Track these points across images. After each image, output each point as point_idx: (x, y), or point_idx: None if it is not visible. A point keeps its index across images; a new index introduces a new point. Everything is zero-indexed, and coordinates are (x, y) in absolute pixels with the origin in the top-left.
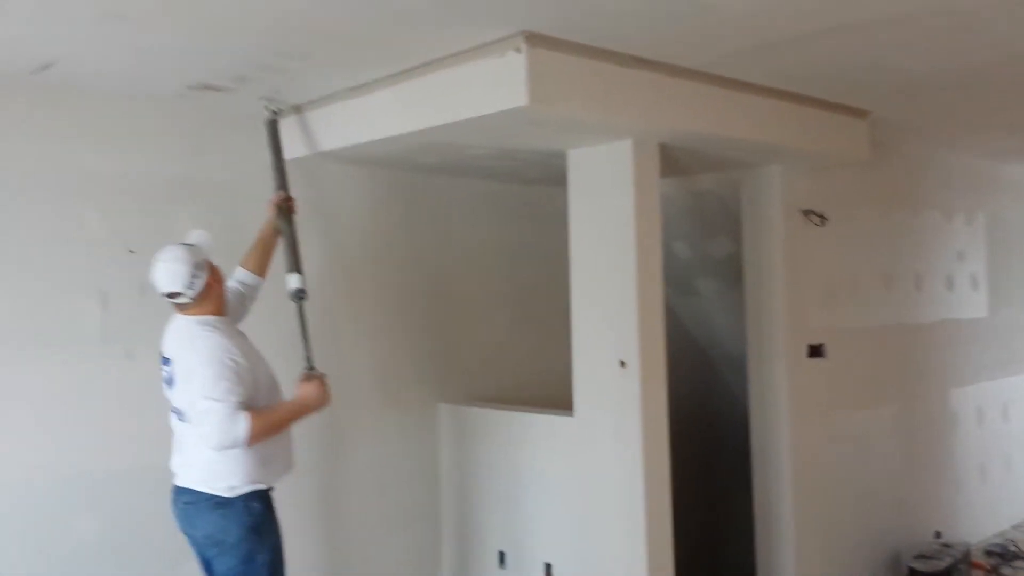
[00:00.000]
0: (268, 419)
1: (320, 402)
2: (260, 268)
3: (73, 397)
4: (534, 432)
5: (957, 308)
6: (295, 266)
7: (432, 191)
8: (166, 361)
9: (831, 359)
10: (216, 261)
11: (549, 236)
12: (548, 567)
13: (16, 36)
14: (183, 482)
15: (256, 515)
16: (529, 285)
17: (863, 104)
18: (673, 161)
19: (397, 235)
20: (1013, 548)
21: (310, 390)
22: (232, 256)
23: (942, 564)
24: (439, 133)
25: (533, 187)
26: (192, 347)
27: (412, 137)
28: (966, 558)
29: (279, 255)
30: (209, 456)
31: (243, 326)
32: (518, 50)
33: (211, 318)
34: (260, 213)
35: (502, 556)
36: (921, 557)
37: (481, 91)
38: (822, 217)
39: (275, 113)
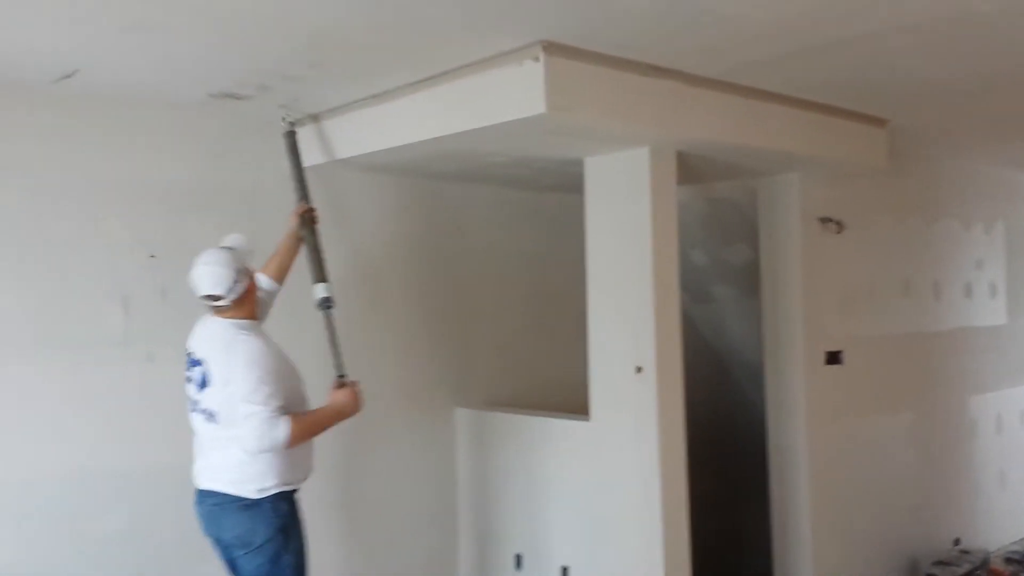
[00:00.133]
0: (306, 424)
1: (354, 408)
2: (279, 275)
3: (95, 398)
4: (551, 436)
5: (976, 316)
6: (321, 276)
7: (449, 198)
8: (196, 362)
9: (848, 366)
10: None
11: (566, 243)
12: (564, 570)
13: (40, 45)
14: (209, 484)
15: (284, 516)
16: (546, 291)
17: (881, 112)
18: (690, 169)
19: (415, 242)
20: None
21: (344, 397)
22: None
23: (961, 571)
24: (457, 141)
25: (550, 194)
26: (233, 350)
27: (430, 145)
28: (985, 565)
29: (301, 264)
30: (241, 458)
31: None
32: (536, 59)
33: (248, 322)
34: (280, 220)
35: (519, 559)
36: (940, 564)
37: (499, 99)
38: (840, 225)
39: (293, 124)
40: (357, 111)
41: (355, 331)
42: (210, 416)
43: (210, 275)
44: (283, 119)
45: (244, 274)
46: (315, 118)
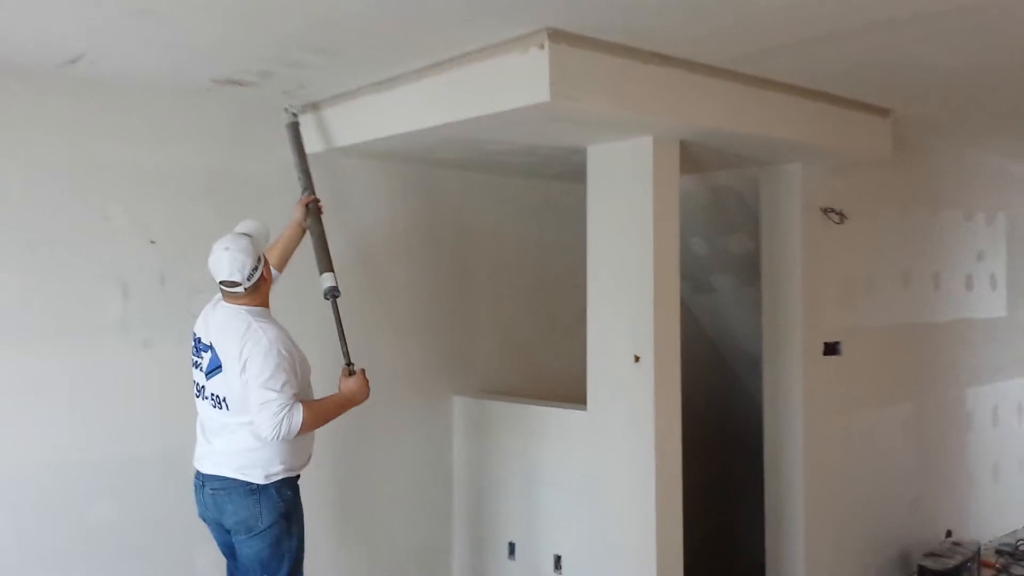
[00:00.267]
0: (317, 411)
1: (363, 396)
2: (280, 263)
3: (92, 385)
4: (547, 425)
5: (975, 308)
6: (327, 265)
7: (451, 186)
8: (205, 347)
9: (847, 357)
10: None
11: (566, 232)
12: (558, 559)
13: (45, 30)
14: (213, 469)
15: (287, 501)
16: (546, 280)
17: (885, 102)
18: (693, 157)
19: (415, 229)
20: (1023, 548)
21: (353, 385)
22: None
23: (952, 563)
24: (460, 128)
25: (552, 183)
26: (250, 338)
27: (433, 132)
28: (976, 557)
29: (309, 255)
30: (250, 444)
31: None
32: (541, 46)
33: (262, 309)
34: (282, 207)
35: (512, 547)
36: (931, 555)
37: (503, 87)
38: (841, 215)
39: (295, 116)
40: (361, 98)
41: (354, 318)
42: (219, 402)
43: (231, 260)
44: (285, 110)
45: (261, 262)
46: (317, 106)
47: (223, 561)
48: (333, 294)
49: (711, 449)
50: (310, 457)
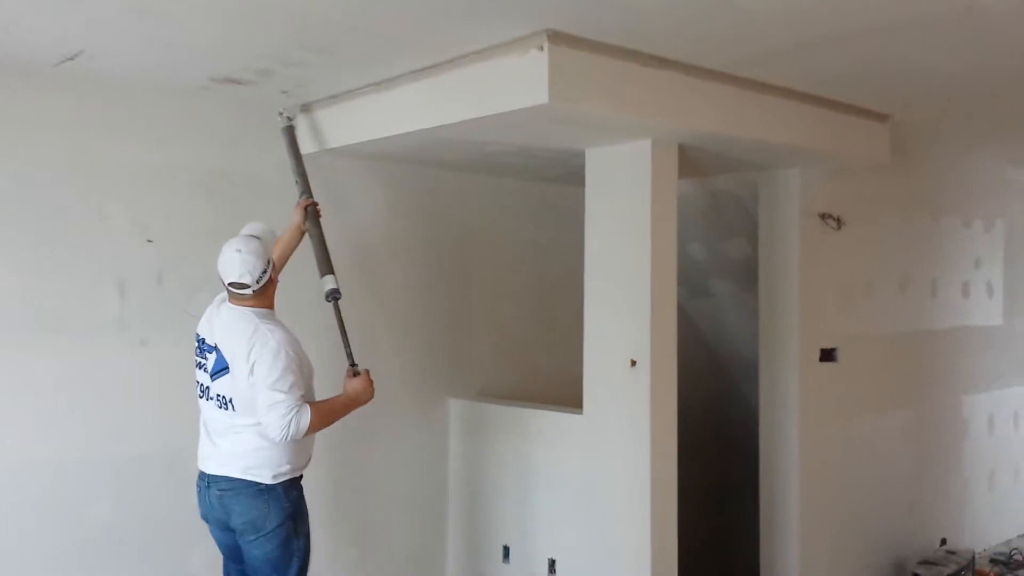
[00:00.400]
0: (323, 412)
1: (368, 397)
2: (279, 266)
3: (89, 384)
4: (543, 429)
5: (972, 315)
6: (328, 268)
7: (449, 188)
8: (210, 348)
9: (843, 363)
10: None
11: (564, 234)
12: (552, 563)
13: (42, 27)
14: (217, 470)
15: (294, 501)
16: (544, 283)
17: (884, 108)
18: (691, 161)
19: (412, 231)
20: (1018, 557)
21: (358, 385)
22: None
23: (947, 571)
24: (459, 129)
25: (550, 185)
26: (258, 340)
27: (432, 133)
28: (971, 566)
29: (308, 257)
30: (257, 444)
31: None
32: (541, 48)
33: (268, 311)
34: (280, 207)
35: (507, 550)
36: (926, 563)
37: (503, 88)
38: (839, 221)
39: (290, 120)
40: (359, 98)
41: (351, 320)
42: (225, 403)
43: (243, 262)
44: (280, 114)
45: (270, 264)
46: (315, 107)
47: (220, 561)
48: (335, 296)
49: (707, 453)
50: (310, 458)
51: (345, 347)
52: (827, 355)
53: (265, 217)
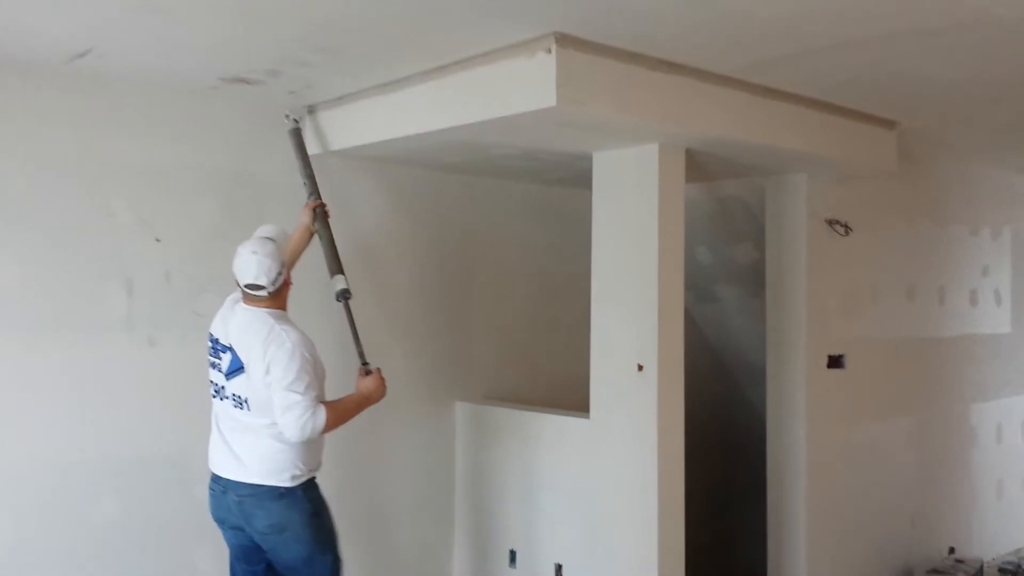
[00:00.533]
0: (338, 411)
1: (380, 395)
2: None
3: (97, 383)
4: (550, 433)
5: (980, 323)
6: (338, 268)
7: (454, 190)
8: (224, 348)
9: (850, 370)
10: None
11: (570, 238)
12: (558, 568)
13: (52, 25)
14: (237, 475)
15: (315, 501)
16: (550, 286)
17: (892, 115)
18: (699, 166)
19: (418, 234)
20: None
21: (371, 384)
22: None
23: None
24: (466, 132)
25: (556, 188)
26: (274, 341)
27: (438, 135)
28: (979, 574)
29: (318, 257)
30: (272, 447)
31: None
32: (548, 51)
33: (282, 313)
34: (288, 206)
35: (513, 555)
36: (934, 572)
37: (510, 91)
38: (846, 227)
39: (297, 122)
40: (366, 100)
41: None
42: (239, 402)
43: (259, 264)
44: (286, 117)
45: (285, 266)
46: (321, 109)
47: (226, 561)
48: (345, 296)
49: (711, 457)
50: (320, 462)
51: (356, 346)
52: (835, 362)
53: (272, 217)
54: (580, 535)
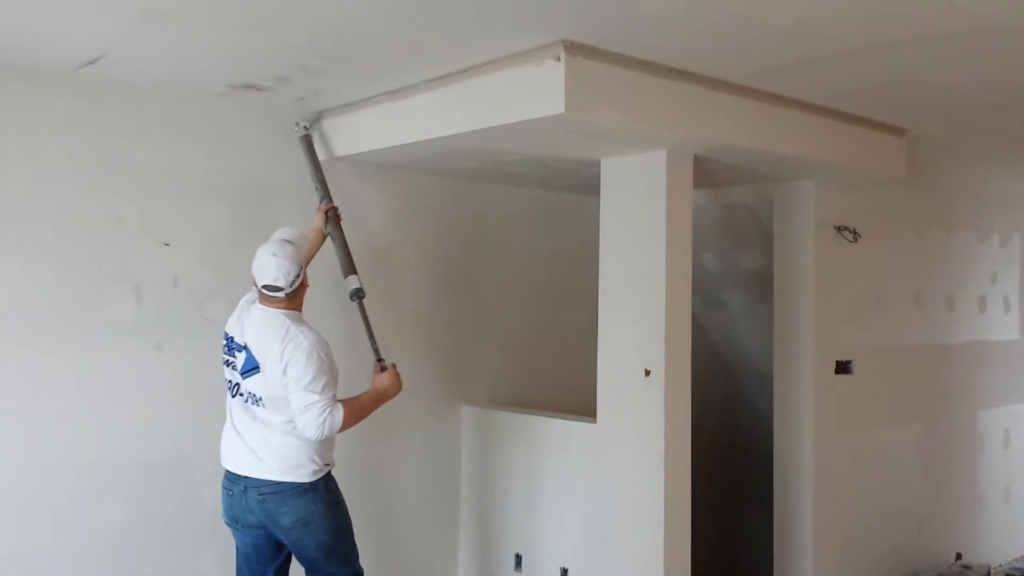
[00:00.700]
0: (355, 408)
1: (396, 390)
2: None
3: (104, 387)
4: (556, 437)
5: (988, 330)
6: (351, 268)
7: (463, 196)
8: (239, 347)
9: (858, 376)
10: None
11: (578, 243)
12: (564, 572)
13: (63, 32)
14: (256, 472)
15: (334, 492)
16: (557, 292)
17: (901, 122)
18: (706, 173)
19: (424, 240)
20: None
21: (386, 380)
22: None
23: None
24: (474, 138)
25: (564, 194)
26: (289, 341)
27: (447, 142)
28: None
29: (329, 260)
30: (291, 443)
31: None
32: (557, 58)
33: (298, 314)
34: (297, 211)
35: (519, 559)
36: None
37: (518, 98)
38: (855, 233)
39: (307, 128)
40: (374, 107)
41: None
42: (256, 401)
43: (279, 266)
44: (296, 123)
45: (303, 269)
46: (330, 115)
47: (231, 563)
48: (359, 295)
49: (717, 462)
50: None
51: (371, 343)
52: (842, 367)
53: (280, 223)
54: (586, 539)
